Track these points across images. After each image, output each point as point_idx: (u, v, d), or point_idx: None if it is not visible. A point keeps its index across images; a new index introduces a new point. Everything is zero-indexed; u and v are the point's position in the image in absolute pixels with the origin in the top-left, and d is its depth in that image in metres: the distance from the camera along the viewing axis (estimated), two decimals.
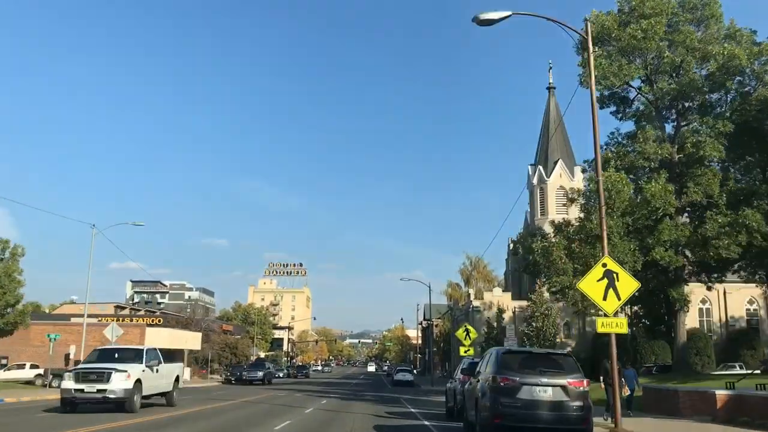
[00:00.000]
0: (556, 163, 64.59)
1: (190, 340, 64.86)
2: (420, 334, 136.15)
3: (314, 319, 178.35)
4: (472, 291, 64.70)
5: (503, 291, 62.61)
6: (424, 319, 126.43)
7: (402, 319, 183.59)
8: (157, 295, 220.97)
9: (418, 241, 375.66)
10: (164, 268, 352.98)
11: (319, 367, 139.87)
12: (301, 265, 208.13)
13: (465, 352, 36.34)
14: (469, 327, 36.80)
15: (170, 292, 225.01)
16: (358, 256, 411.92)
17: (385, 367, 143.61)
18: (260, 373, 56.19)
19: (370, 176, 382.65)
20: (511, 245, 77.98)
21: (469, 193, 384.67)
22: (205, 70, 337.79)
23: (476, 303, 61.80)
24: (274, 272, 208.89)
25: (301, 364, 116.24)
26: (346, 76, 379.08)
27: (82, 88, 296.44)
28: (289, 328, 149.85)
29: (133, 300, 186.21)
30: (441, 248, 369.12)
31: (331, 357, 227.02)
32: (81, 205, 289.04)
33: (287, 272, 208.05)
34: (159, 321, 69.54)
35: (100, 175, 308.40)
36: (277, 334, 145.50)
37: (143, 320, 68.22)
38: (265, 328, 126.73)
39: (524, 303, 62.11)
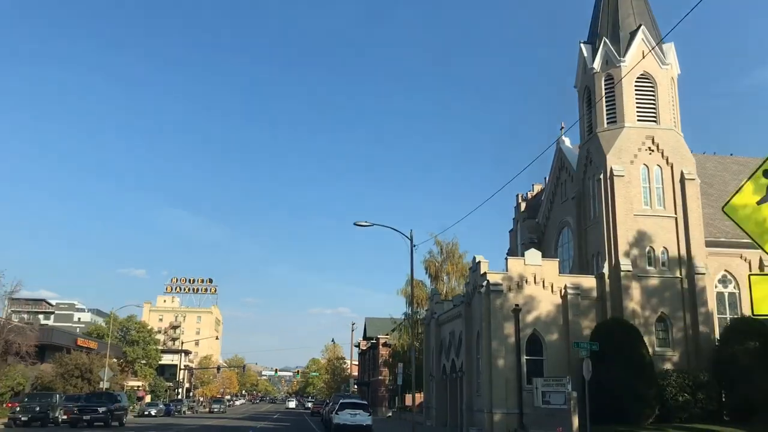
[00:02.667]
0: (634, 35, 36.14)
1: None
2: (356, 362, 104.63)
3: (216, 338, 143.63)
4: (481, 259, 34.78)
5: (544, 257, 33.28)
6: (364, 338, 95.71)
7: (333, 340, 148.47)
8: (41, 316, 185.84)
9: (345, 278, 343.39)
10: (77, 297, 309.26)
11: (218, 404, 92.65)
12: (210, 281, 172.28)
13: None
14: None
15: (56, 312, 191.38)
16: (283, 291, 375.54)
17: (309, 404, 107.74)
18: None
19: (299, 208, 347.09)
20: (523, 206, 49.10)
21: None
22: (135, 95, 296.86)
23: (494, 278, 32.21)
24: (178, 288, 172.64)
25: (110, 390, 58.25)
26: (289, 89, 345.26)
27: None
28: (185, 352, 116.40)
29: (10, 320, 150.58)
30: (371, 285, 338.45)
31: (243, 391, 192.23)
32: None
33: (194, 289, 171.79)
34: None
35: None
36: (170, 359, 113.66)
37: None
38: (150, 349, 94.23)
39: (586, 280, 33.16)
